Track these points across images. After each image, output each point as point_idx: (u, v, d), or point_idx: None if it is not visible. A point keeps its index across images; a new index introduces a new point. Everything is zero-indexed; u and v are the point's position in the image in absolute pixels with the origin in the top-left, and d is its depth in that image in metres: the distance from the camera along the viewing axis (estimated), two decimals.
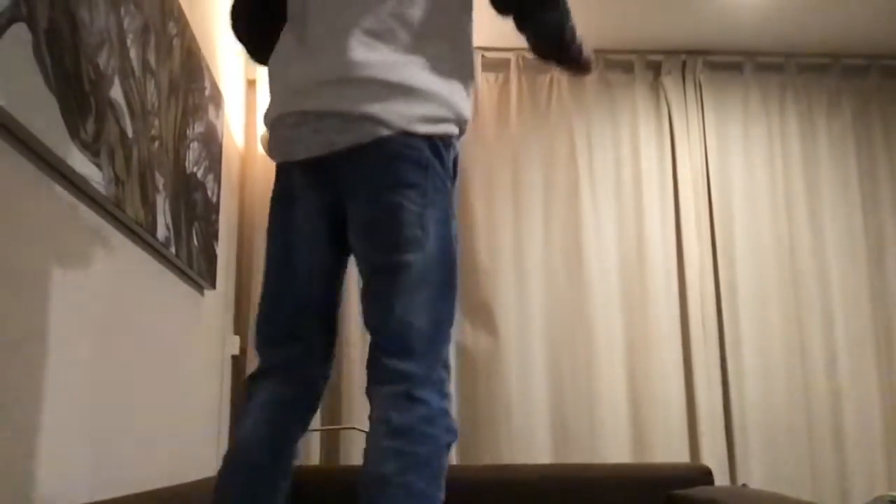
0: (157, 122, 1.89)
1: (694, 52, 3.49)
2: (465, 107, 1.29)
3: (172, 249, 2.00)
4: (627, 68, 3.48)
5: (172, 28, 2.05)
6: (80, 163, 1.40)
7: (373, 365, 1.23)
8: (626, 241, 3.32)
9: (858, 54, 3.53)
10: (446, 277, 1.22)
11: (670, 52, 3.47)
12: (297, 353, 1.33)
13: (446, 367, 1.23)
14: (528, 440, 3.09)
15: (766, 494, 1.99)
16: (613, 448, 3.10)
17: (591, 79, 3.43)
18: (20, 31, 1.18)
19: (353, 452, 2.99)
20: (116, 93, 1.60)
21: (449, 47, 1.28)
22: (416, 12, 1.26)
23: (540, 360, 3.18)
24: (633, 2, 3.09)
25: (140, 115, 1.75)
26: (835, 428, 3.21)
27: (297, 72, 1.29)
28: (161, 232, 1.90)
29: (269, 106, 1.35)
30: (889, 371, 3.31)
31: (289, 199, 1.32)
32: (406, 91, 1.22)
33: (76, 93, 1.39)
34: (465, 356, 3.11)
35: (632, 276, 3.29)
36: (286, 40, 1.35)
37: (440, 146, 1.24)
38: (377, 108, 1.20)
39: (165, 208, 1.94)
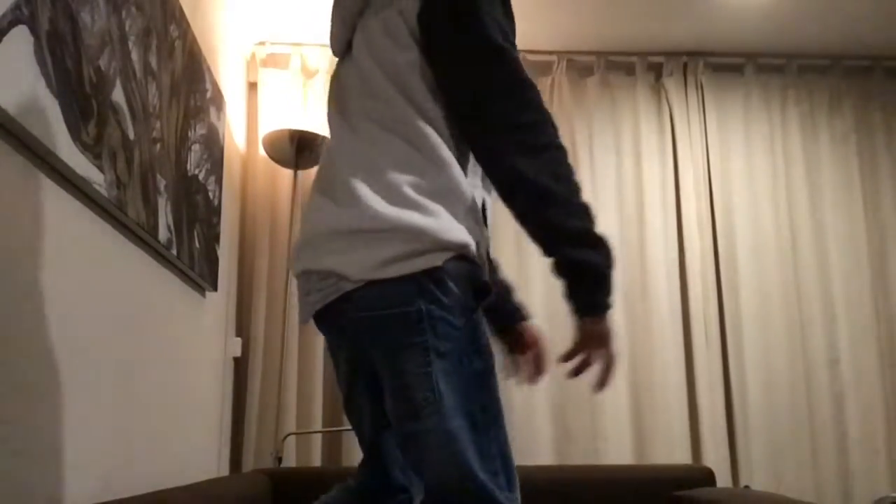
0: (158, 125, 1.89)
1: (695, 54, 3.49)
2: (455, 229, 1.07)
3: (174, 251, 2.01)
4: (629, 70, 3.48)
5: (174, 30, 2.05)
6: (81, 165, 1.40)
7: None
8: (627, 243, 3.32)
9: (859, 55, 3.53)
10: (472, 421, 1.05)
11: (671, 54, 3.47)
12: (366, 476, 1.30)
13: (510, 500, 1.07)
14: (530, 442, 3.09)
15: (768, 496, 1.98)
16: (615, 449, 3.10)
17: (592, 80, 3.44)
18: (22, 33, 1.18)
19: (354, 453, 2.99)
20: (118, 95, 1.61)
21: (407, 146, 1.09)
22: (373, 104, 1.14)
23: None
24: (634, 3, 3.09)
25: (141, 118, 1.75)
26: (837, 429, 3.21)
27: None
28: (163, 234, 1.90)
29: None
30: (892, 371, 3.30)
31: (331, 354, 1.28)
32: (367, 232, 1.06)
33: (77, 95, 1.39)
34: None
35: (634, 277, 3.29)
36: None
37: (428, 285, 1.04)
38: (332, 261, 1.08)
39: (167, 210, 1.94)
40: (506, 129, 1.06)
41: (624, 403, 3.17)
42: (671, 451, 3.10)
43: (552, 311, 3.23)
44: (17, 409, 1.23)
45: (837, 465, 3.17)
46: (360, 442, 1.29)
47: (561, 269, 1.08)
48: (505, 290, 1.49)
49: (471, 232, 1.09)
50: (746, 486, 3.01)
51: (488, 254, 1.24)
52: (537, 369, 1.50)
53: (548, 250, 1.08)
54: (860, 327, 3.30)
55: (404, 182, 1.07)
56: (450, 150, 1.10)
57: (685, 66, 3.49)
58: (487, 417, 1.07)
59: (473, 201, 1.11)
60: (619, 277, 3.29)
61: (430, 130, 1.10)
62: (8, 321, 1.20)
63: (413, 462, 1.11)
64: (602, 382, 1.12)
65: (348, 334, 1.14)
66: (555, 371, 3.15)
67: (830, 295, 3.32)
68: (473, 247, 1.09)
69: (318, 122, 3.26)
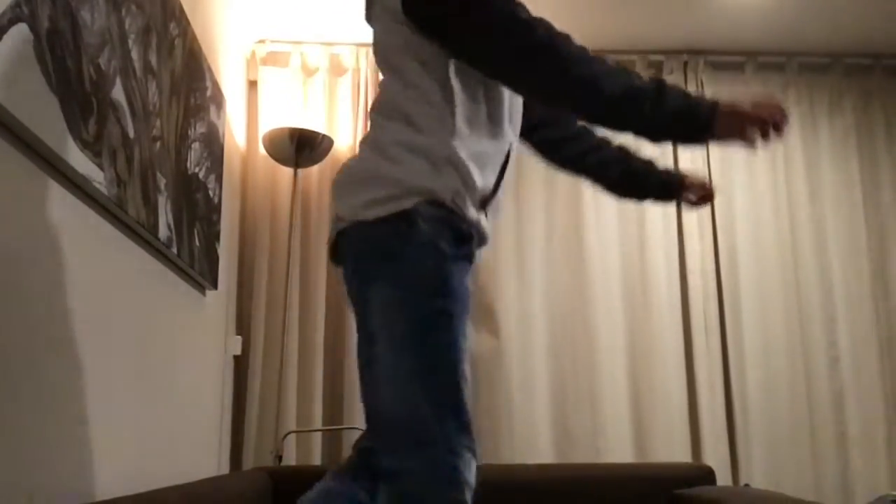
0: (158, 123, 1.89)
1: (696, 52, 3.49)
2: (426, 177, 1.17)
3: (174, 250, 2.00)
4: (629, 68, 3.47)
5: (174, 28, 2.05)
6: (81, 163, 1.40)
7: None
8: (627, 242, 3.32)
9: (860, 54, 3.53)
10: (426, 360, 1.12)
11: (672, 52, 3.47)
12: None
13: (453, 452, 1.10)
14: (530, 440, 3.09)
15: (768, 494, 1.98)
16: (615, 448, 3.10)
17: None
18: (22, 31, 1.18)
19: None
20: (118, 93, 1.60)
21: (404, 125, 1.21)
22: (382, 98, 1.28)
23: (542, 360, 3.18)
24: (634, 1, 3.09)
25: (141, 116, 1.75)
26: (838, 428, 3.21)
27: None
28: (163, 232, 1.90)
29: None
30: (892, 370, 3.30)
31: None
32: (356, 182, 1.22)
33: (77, 93, 1.39)
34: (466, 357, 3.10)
35: (634, 277, 3.29)
36: None
37: (402, 226, 1.15)
38: (337, 205, 1.25)
39: (167, 208, 1.94)
40: (513, 66, 1.17)
41: (624, 402, 3.17)
42: (671, 450, 3.10)
43: (552, 310, 3.23)
44: (10, 408, 1.23)
45: (837, 463, 3.17)
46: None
47: (663, 129, 1.20)
48: (644, 171, 1.54)
49: (447, 182, 1.17)
50: (746, 485, 3.02)
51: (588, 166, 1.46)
52: (703, 195, 1.54)
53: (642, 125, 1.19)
54: (860, 326, 3.29)
55: (390, 140, 1.21)
56: (435, 115, 1.20)
57: (685, 64, 3.49)
58: (443, 359, 1.12)
59: (455, 157, 1.18)
60: (619, 276, 3.29)
61: (414, 100, 1.21)
62: (6, 320, 1.19)
63: (363, 393, 1.17)
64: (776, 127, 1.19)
65: (345, 268, 1.25)
66: (555, 372, 3.16)
67: (830, 294, 3.32)
68: (444, 193, 1.17)
69: (318, 121, 3.26)
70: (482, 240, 1.27)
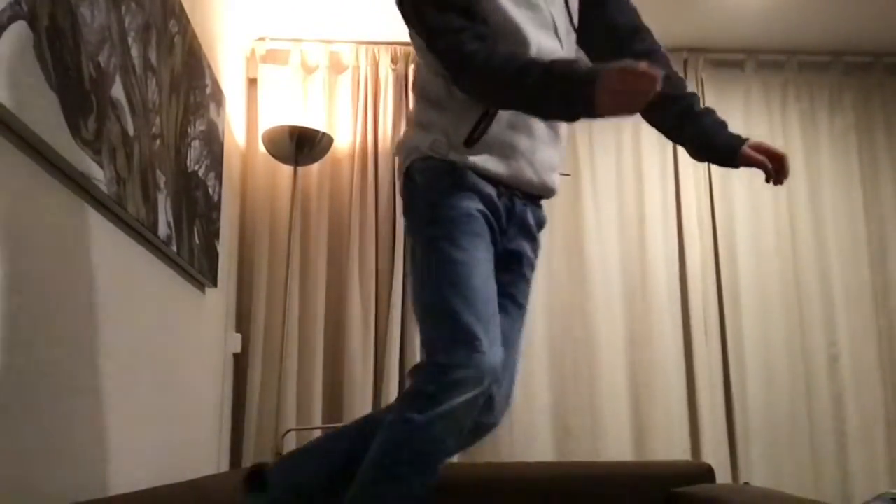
0: (158, 121, 1.89)
1: (696, 50, 3.48)
2: (417, 139, 1.43)
3: (174, 247, 2.00)
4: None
5: (174, 26, 2.05)
6: (81, 161, 1.40)
7: None
8: (627, 240, 3.32)
9: (860, 52, 3.53)
10: (424, 278, 1.35)
11: (672, 50, 3.45)
12: None
13: (437, 365, 1.24)
14: (530, 438, 3.09)
15: (768, 492, 1.99)
16: (615, 446, 3.10)
17: None
18: (21, 29, 1.18)
19: None
20: (118, 91, 1.60)
21: (420, 97, 1.47)
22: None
23: (541, 358, 3.18)
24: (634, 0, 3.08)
25: (141, 113, 1.75)
26: (837, 426, 3.21)
27: None
28: (162, 230, 1.90)
29: None
30: (891, 368, 3.31)
31: None
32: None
33: (77, 91, 1.39)
34: None
35: (633, 275, 3.29)
36: None
37: (408, 182, 1.44)
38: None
39: (167, 206, 1.94)
40: (451, 71, 1.37)
41: (624, 401, 3.17)
42: (670, 449, 3.11)
43: (552, 309, 3.23)
44: (12, 405, 1.23)
45: (836, 461, 3.17)
46: None
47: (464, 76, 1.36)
48: (709, 131, 1.54)
49: (426, 137, 1.41)
50: (746, 483, 3.02)
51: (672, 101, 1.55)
52: (777, 173, 1.52)
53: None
54: (860, 324, 3.30)
55: (413, 116, 1.50)
56: (436, 94, 1.43)
57: (686, 62, 3.49)
58: (436, 275, 1.31)
59: (431, 118, 1.42)
60: (619, 274, 3.29)
61: (428, 80, 1.45)
62: (6, 318, 1.19)
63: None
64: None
65: None
66: (555, 370, 3.16)
67: (830, 291, 3.32)
68: (424, 147, 1.41)
69: (317, 118, 3.26)
70: (487, 169, 1.40)
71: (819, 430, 3.20)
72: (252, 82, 3.36)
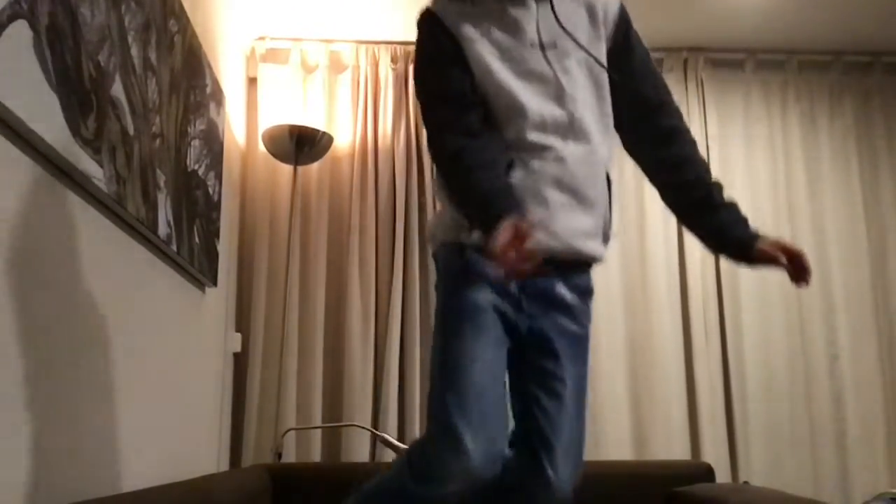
0: (158, 120, 1.89)
1: (695, 50, 3.48)
2: (436, 221, 1.51)
3: (174, 247, 2.00)
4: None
5: (173, 25, 2.05)
6: (81, 160, 1.40)
7: None
8: (627, 240, 3.32)
9: (860, 52, 3.53)
10: (437, 345, 1.38)
11: (672, 49, 3.47)
12: None
13: (424, 454, 1.29)
14: None
15: (767, 492, 1.99)
16: (615, 446, 3.10)
17: None
18: (21, 28, 1.18)
19: (354, 450, 2.99)
20: (117, 90, 1.60)
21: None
22: None
23: None
24: None
25: (141, 113, 1.75)
26: (837, 426, 3.21)
27: None
28: (162, 229, 1.90)
29: None
30: (891, 368, 3.31)
31: None
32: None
33: (77, 90, 1.39)
34: None
35: (633, 274, 3.29)
36: None
37: (437, 259, 1.49)
38: None
39: (167, 206, 1.94)
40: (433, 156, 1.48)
41: (624, 400, 3.17)
42: (670, 448, 3.11)
43: None
44: (15, 405, 1.23)
45: (836, 461, 3.17)
46: None
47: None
48: (723, 225, 1.56)
49: (440, 225, 1.47)
50: (745, 482, 3.02)
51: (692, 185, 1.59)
52: (798, 272, 1.53)
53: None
54: (860, 324, 3.30)
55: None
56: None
57: (685, 61, 3.49)
58: (438, 362, 1.35)
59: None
60: (619, 273, 3.29)
61: None
62: (5, 318, 1.19)
63: None
64: None
65: None
66: None
67: (830, 292, 3.32)
68: (443, 235, 1.46)
69: (317, 118, 3.26)
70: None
71: (819, 430, 3.20)
72: (252, 81, 3.36)
